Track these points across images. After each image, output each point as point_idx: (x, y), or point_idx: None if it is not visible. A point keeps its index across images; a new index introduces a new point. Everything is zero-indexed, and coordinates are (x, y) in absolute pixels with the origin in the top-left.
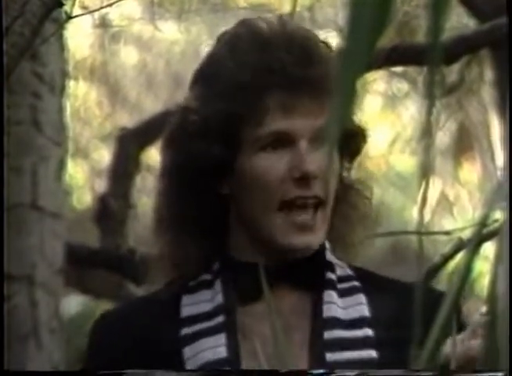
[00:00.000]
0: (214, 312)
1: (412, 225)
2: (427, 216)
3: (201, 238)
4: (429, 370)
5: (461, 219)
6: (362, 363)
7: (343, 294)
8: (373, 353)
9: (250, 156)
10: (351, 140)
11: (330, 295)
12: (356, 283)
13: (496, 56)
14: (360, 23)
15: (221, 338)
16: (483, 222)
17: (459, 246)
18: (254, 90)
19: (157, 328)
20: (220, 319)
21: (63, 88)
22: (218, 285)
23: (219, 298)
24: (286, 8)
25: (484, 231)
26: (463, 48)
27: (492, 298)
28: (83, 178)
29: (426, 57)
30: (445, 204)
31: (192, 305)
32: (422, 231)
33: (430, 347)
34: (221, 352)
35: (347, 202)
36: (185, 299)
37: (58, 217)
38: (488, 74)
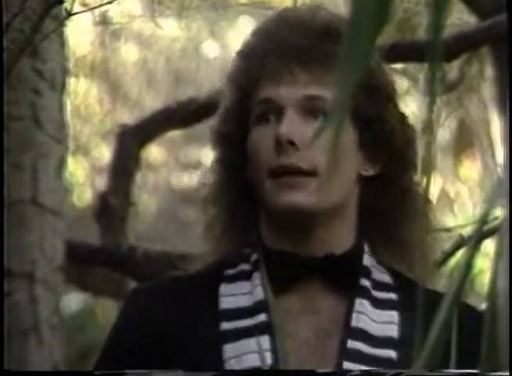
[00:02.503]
0: (254, 308)
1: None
2: None
3: (242, 231)
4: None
5: (461, 216)
6: None
7: (377, 305)
8: None
9: (251, 130)
10: (371, 126)
11: (362, 304)
12: (393, 296)
13: (497, 53)
14: (361, 20)
15: (265, 341)
16: (483, 219)
17: (460, 243)
18: (251, 60)
19: (194, 317)
20: (262, 317)
21: (63, 85)
22: (256, 278)
23: (259, 293)
24: (287, 5)
25: (485, 228)
26: (464, 45)
27: (492, 295)
28: (83, 175)
29: (426, 54)
30: (446, 201)
31: (231, 296)
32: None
33: (431, 347)
34: (267, 357)
35: (408, 206)
36: (224, 289)
37: (58, 214)
38: (489, 71)
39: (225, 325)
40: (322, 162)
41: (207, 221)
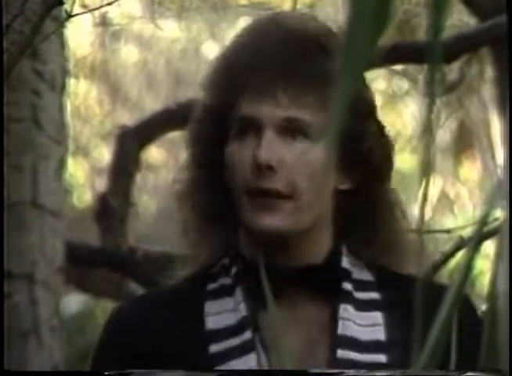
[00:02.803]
0: (239, 326)
1: (412, 223)
2: (428, 214)
3: (219, 236)
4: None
5: (461, 217)
6: None
7: (360, 307)
8: None
9: (227, 144)
10: (350, 142)
11: (346, 310)
12: (376, 296)
13: (496, 54)
14: (361, 21)
15: (252, 359)
16: (483, 221)
17: (460, 244)
18: (233, 74)
19: (181, 338)
20: (247, 336)
21: (63, 86)
22: (238, 294)
23: (242, 310)
24: (287, 6)
25: (485, 229)
26: (464, 46)
27: (492, 297)
28: (83, 176)
29: (426, 55)
30: (446, 202)
31: (217, 315)
32: (422, 229)
33: (431, 346)
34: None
35: (382, 214)
36: (208, 307)
37: (58, 215)
38: (489, 72)
39: (214, 347)
40: (300, 184)
41: (182, 223)
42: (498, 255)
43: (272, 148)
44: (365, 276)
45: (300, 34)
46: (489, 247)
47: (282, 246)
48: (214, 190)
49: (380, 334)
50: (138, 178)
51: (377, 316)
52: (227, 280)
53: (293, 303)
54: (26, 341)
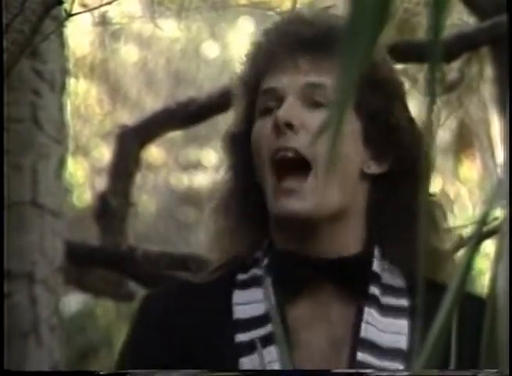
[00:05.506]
0: (267, 316)
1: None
2: None
3: (249, 226)
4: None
5: (461, 217)
6: None
7: (386, 312)
8: None
9: (254, 124)
10: (376, 120)
11: (371, 314)
12: (404, 303)
13: (497, 54)
14: (360, 20)
15: (274, 351)
16: (483, 220)
17: (460, 243)
18: (258, 56)
19: (208, 327)
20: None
21: (63, 86)
22: (268, 284)
23: (270, 300)
24: (287, 5)
25: (485, 229)
26: (464, 45)
27: (492, 296)
28: (83, 176)
29: (426, 55)
30: (446, 201)
31: (245, 304)
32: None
33: (430, 345)
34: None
35: (428, 219)
36: (237, 296)
37: (58, 215)
38: (489, 72)
39: (240, 336)
40: (322, 151)
41: (215, 230)
42: (498, 255)
43: (292, 108)
44: (397, 282)
45: (319, 16)
46: (489, 246)
47: (309, 233)
48: (250, 194)
49: (402, 343)
50: (138, 177)
51: (403, 325)
52: (258, 272)
53: (318, 299)
54: (25, 341)
